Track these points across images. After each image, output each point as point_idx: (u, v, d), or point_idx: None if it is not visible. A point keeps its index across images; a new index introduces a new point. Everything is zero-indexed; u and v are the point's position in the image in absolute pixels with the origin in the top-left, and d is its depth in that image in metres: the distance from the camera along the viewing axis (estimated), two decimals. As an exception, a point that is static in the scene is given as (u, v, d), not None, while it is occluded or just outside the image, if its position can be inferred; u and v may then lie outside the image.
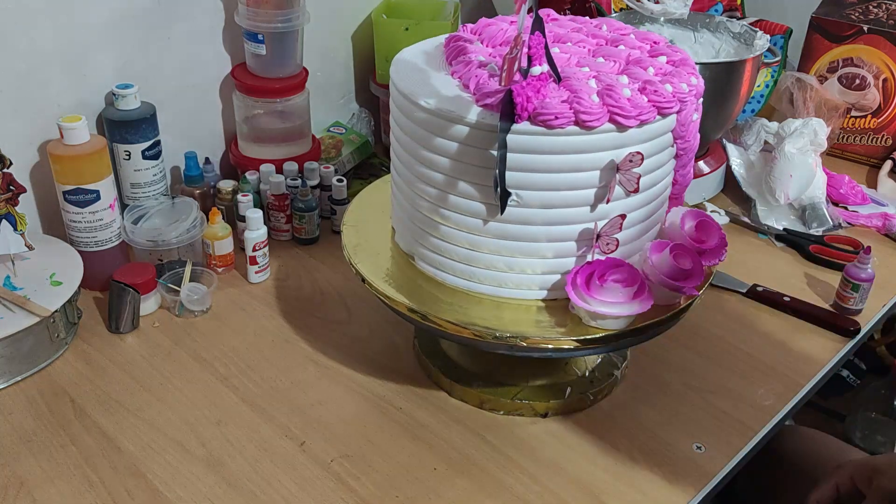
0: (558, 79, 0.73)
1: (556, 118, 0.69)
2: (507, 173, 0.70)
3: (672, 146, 0.77)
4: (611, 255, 0.76)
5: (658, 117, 0.73)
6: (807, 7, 1.43)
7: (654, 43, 0.83)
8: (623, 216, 0.75)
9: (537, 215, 0.74)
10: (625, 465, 0.81)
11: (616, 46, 0.82)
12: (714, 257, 0.82)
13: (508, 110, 0.68)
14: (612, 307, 0.75)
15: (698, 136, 0.81)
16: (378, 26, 1.27)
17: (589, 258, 0.76)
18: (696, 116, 0.79)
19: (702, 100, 0.79)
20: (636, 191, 0.74)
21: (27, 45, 0.99)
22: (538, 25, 0.70)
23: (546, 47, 0.71)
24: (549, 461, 0.81)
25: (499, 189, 0.70)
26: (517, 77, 0.69)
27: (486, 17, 0.87)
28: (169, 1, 1.10)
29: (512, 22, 0.85)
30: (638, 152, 0.72)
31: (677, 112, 0.74)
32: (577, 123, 0.70)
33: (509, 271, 0.78)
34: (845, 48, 1.38)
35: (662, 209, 0.83)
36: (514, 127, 0.69)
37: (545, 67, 0.71)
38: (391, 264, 0.85)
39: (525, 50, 0.69)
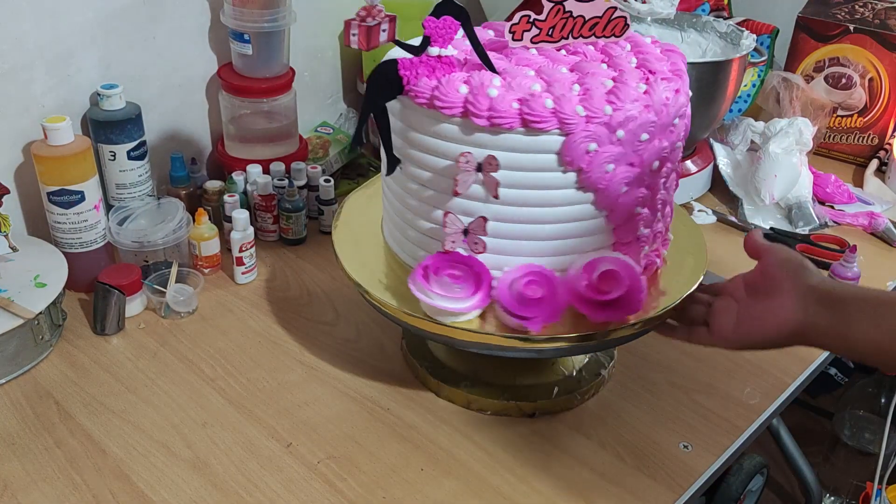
0: (492, 70, 0.74)
1: (417, 97, 0.72)
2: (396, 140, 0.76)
3: (563, 172, 0.72)
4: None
5: (521, 129, 0.69)
6: (793, 7, 1.43)
7: (650, 71, 0.76)
8: (484, 218, 0.74)
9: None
10: (612, 465, 0.81)
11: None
12: (621, 312, 0.75)
13: (385, 80, 0.72)
14: (441, 300, 0.74)
15: (630, 188, 0.73)
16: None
17: (448, 248, 0.76)
18: (595, 147, 0.70)
19: (620, 133, 0.70)
20: (496, 196, 0.72)
21: (11, 45, 0.98)
22: (461, 15, 0.73)
23: (474, 38, 0.73)
24: (536, 461, 0.81)
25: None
26: (383, 38, 0.74)
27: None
28: (154, 0, 1.09)
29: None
30: (493, 157, 0.70)
31: (566, 134, 0.69)
32: (431, 106, 0.71)
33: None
34: (831, 48, 1.38)
35: (564, 241, 0.76)
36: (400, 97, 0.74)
37: (449, 51, 0.74)
38: (382, 266, 0.85)
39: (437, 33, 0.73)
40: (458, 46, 0.79)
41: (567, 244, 0.76)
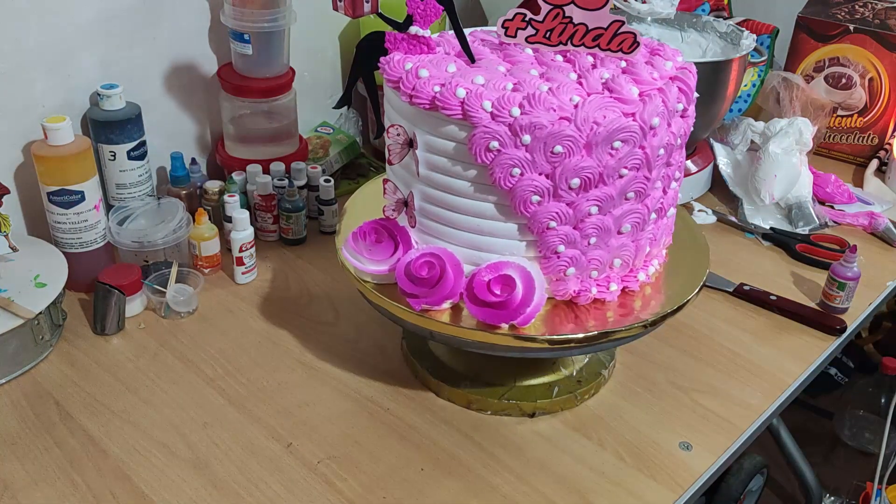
0: (470, 57, 0.76)
1: (386, 68, 0.75)
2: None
3: (471, 164, 0.72)
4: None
5: (436, 113, 0.71)
6: (793, 7, 1.43)
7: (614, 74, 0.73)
8: (411, 194, 0.77)
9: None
10: (612, 465, 0.81)
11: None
12: (509, 316, 0.74)
13: (373, 48, 0.77)
14: (361, 261, 0.80)
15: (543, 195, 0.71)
16: (366, 26, 1.27)
17: (387, 215, 0.82)
18: (497, 146, 0.69)
19: (526, 138, 0.68)
20: (417, 174, 0.75)
21: (11, 46, 0.98)
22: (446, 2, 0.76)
23: (458, 27, 0.76)
24: (536, 461, 0.81)
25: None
26: (367, 8, 0.77)
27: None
28: (154, 1, 1.09)
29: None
30: (396, 125, 0.75)
31: (474, 127, 0.69)
32: (387, 78, 0.75)
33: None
34: (831, 47, 1.38)
35: (479, 237, 0.76)
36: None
37: (427, 32, 0.76)
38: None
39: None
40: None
41: (482, 241, 0.76)
